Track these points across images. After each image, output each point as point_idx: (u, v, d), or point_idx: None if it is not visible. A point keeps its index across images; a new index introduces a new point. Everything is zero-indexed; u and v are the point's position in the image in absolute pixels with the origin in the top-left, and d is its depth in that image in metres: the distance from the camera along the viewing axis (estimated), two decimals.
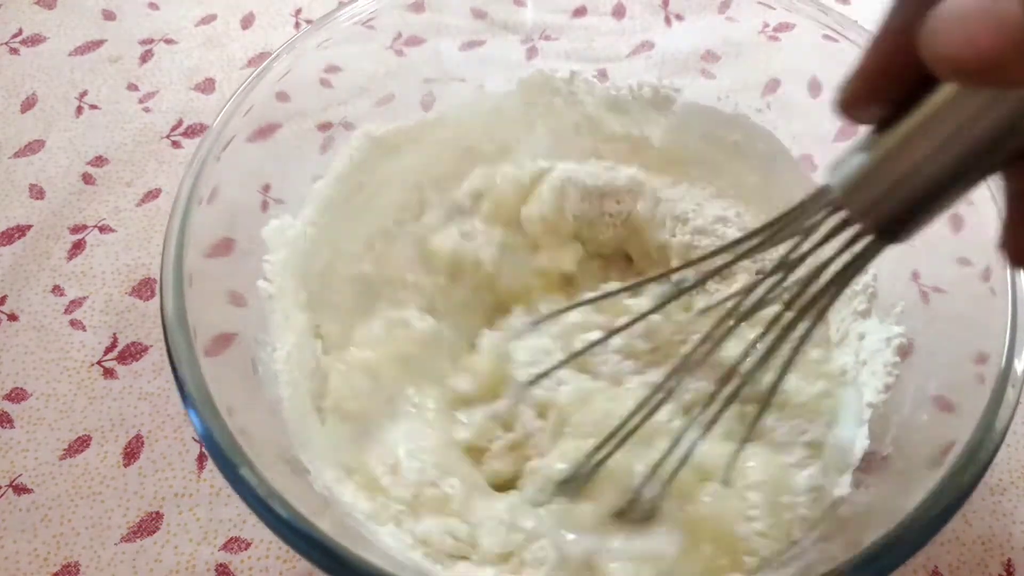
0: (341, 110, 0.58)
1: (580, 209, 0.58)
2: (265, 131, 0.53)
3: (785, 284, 0.37)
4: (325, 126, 0.58)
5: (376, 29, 0.58)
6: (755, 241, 0.37)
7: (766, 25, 0.57)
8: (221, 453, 0.37)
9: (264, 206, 0.53)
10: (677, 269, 0.44)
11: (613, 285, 0.52)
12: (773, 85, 0.58)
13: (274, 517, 0.36)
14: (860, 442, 0.47)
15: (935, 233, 0.46)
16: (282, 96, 0.54)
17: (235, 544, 0.51)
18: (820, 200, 0.33)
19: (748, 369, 0.40)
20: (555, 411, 0.50)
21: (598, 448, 0.44)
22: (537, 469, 0.48)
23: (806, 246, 0.35)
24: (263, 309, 0.49)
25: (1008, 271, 0.41)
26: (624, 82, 0.60)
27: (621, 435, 0.43)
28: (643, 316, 0.45)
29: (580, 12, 0.64)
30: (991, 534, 0.51)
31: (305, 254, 0.53)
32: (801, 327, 0.38)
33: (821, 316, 0.37)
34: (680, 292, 0.44)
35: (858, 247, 0.33)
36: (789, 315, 0.38)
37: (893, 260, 0.50)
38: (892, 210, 0.30)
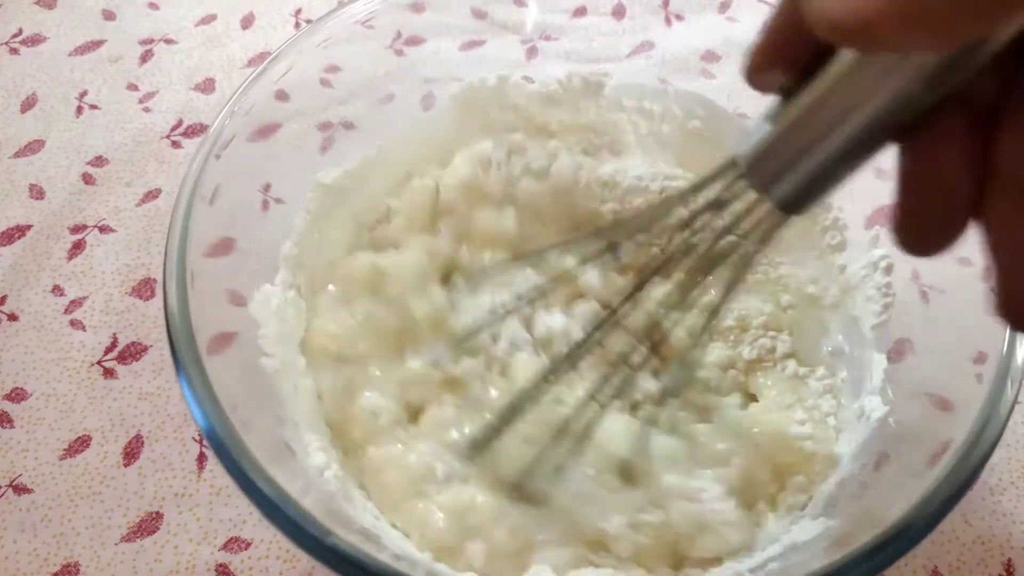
0: (341, 110, 0.58)
1: (497, 173, 0.59)
2: (265, 131, 0.54)
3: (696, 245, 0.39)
4: (325, 126, 0.58)
5: (376, 29, 0.58)
6: (669, 206, 0.40)
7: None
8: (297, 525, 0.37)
9: (265, 205, 0.53)
10: (605, 229, 0.46)
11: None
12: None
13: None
14: (878, 367, 0.49)
15: None
16: (282, 96, 0.54)
17: (235, 544, 0.51)
18: (728, 171, 0.33)
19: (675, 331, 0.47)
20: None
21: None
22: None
23: (713, 214, 0.36)
24: (275, 386, 0.48)
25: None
26: (551, 77, 0.60)
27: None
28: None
29: (580, 12, 0.64)
30: (991, 534, 0.51)
31: (291, 321, 0.51)
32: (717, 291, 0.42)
33: (738, 281, 0.39)
34: (604, 250, 0.47)
35: (764, 217, 0.33)
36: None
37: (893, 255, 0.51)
38: (791, 183, 0.30)
